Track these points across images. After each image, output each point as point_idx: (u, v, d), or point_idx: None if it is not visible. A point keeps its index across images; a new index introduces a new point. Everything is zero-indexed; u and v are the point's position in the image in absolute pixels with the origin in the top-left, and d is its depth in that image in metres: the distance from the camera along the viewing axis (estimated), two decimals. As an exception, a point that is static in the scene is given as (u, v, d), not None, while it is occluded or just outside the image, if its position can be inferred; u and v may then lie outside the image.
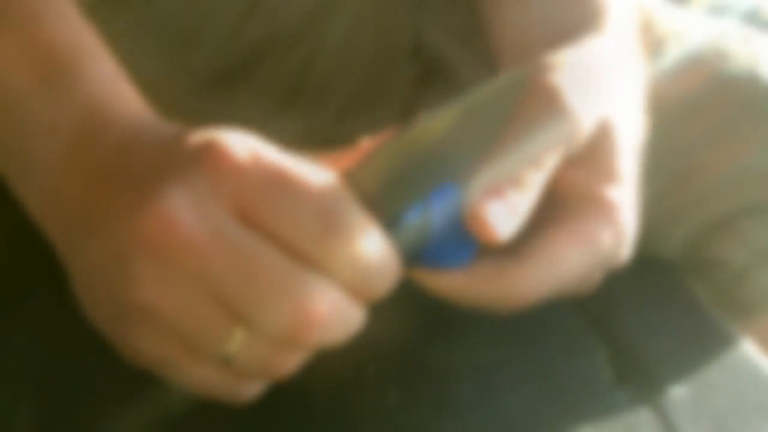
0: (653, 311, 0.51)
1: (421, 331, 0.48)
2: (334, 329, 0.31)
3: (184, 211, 0.29)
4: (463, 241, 0.35)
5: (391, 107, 0.54)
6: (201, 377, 0.33)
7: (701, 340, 0.49)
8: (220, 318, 0.30)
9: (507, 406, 0.43)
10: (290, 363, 0.32)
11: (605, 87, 0.38)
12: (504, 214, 0.33)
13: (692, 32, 0.54)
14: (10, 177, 0.37)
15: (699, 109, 0.52)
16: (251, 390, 0.35)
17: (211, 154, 0.30)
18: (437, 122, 0.31)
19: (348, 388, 0.44)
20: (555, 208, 0.39)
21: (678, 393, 0.44)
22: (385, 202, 0.32)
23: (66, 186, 0.34)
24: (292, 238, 0.30)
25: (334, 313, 0.30)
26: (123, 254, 0.30)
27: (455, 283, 0.36)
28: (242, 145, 0.31)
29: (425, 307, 0.50)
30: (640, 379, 0.45)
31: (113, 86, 0.37)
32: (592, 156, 0.38)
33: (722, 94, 0.52)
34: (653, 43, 0.53)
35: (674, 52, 0.53)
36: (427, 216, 0.33)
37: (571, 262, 0.36)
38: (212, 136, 0.31)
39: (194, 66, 0.53)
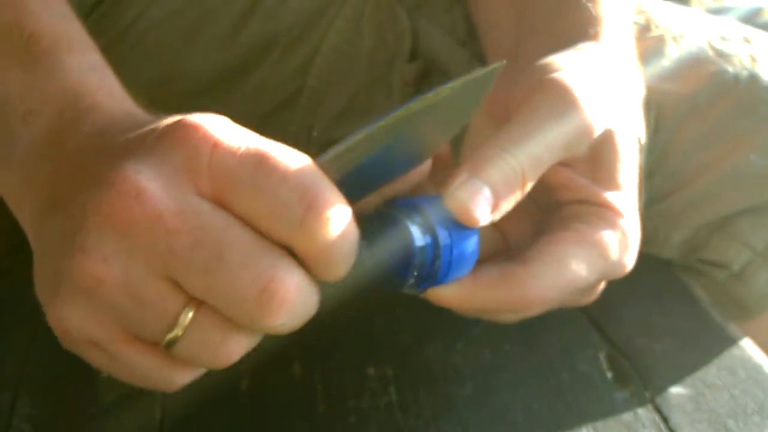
0: (653, 311, 0.51)
1: (421, 331, 0.48)
2: (294, 312, 0.30)
3: (153, 183, 0.28)
4: (464, 255, 0.34)
5: (391, 108, 0.54)
6: (133, 362, 0.31)
7: (701, 340, 0.49)
8: (172, 297, 0.29)
9: (507, 406, 0.43)
10: (235, 349, 0.31)
11: (608, 94, 0.38)
12: (483, 198, 0.33)
13: (692, 32, 0.54)
14: None
15: (699, 109, 0.52)
16: (183, 379, 0.33)
17: (186, 129, 0.29)
18: (405, 113, 0.31)
19: (348, 388, 0.44)
20: (557, 214, 0.39)
21: (678, 393, 0.44)
22: (355, 188, 0.31)
23: (41, 169, 0.34)
24: (270, 217, 0.29)
25: (298, 295, 0.29)
26: (78, 225, 0.29)
27: (462, 292, 0.35)
28: (218, 124, 0.30)
29: (425, 307, 0.50)
30: (640, 379, 0.45)
31: (96, 77, 0.36)
32: (594, 163, 0.38)
33: (722, 94, 0.52)
34: (653, 43, 0.53)
35: (674, 52, 0.53)
36: (426, 219, 0.33)
37: (578, 263, 0.36)
38: (188, 116, 0.30)
39: (194, 66, 0.53)
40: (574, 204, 0.38)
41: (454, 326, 0.48)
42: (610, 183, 0.38)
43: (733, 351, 0.48)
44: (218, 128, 0.30)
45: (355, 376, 0.44)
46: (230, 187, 0.29)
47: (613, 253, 0.37)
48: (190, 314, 0.30)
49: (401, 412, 0.42)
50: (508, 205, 0.34)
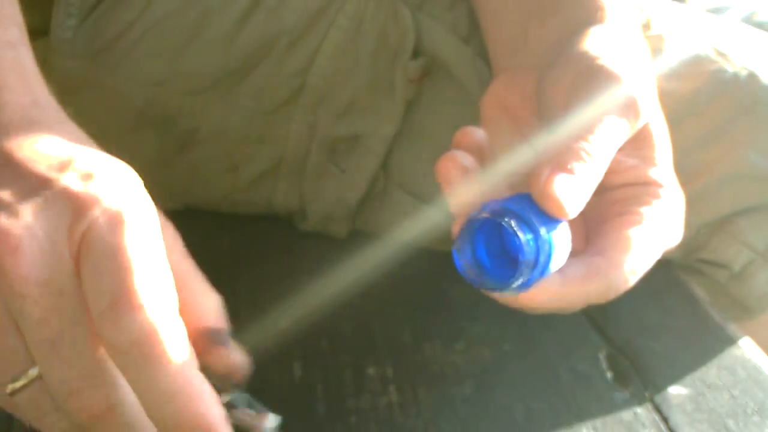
0: (653, 311, 0.51)
1: (421, 331, 0.48)
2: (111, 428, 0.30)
3: (35, 244, 0.28)
4: (561, 247, 0.35)
5: (392, 107, 0.54)
6: None
7: (701, 340, 0.49)
8: (21, 351, 0.30)
9: (507, 405, 0.43)
10: (55, 425, 0.31)
11: (644, 76, 0.38)
12: (572, 189, 0.33)
13: (692, 31, 0.54)
14: None
15: (699, 109, 0.52)
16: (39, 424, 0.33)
17: (91, 203, 0.29)
18: None
19: (348, 388, 0.44)
20: (608, 199, 0.39)
21: (678, 393, 0.44)
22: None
23: None
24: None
25: (119, 417, 0.30)
26: None
27: (554, 291, 0.35)
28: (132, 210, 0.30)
29: (425, 307, 0.50)
30: (640, 379, 0.45)
31: (11, 55, 0.34)
32: (635, 143, 0.39)
33: (722, 94, 0.52)
34: (653, 42, 0.53)
35: (674, 51, 0.53)
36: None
37: (650, 245, 0.37)
38: (100, 186, 0.30)
39: (194, 66, 0.53)
40: (624, 187, 0.39)
41: (454, 326, 0.48)
42: (651, 159, 0.39)
43: (733, 351, 0.48)
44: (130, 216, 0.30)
45: (355, 376, 0.44)
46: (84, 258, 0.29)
47: (672, 227, 0.38)
48: (31, 376, 0.30)
49: (401, 412, 0.42)
50: (590, 193, 0.35)
